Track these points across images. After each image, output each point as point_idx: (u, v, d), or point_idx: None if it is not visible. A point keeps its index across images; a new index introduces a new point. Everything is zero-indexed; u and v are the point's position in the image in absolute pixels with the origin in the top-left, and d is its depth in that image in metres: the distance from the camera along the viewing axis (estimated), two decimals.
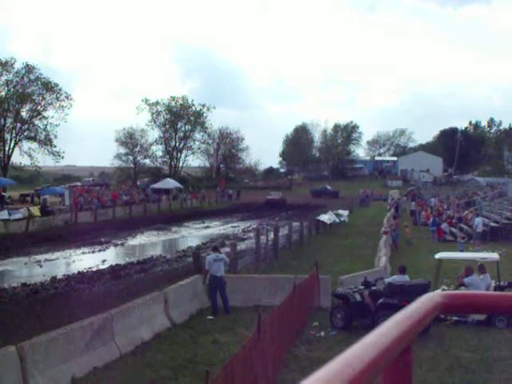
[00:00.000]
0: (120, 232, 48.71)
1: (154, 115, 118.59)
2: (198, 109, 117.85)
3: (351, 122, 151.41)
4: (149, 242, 45.23)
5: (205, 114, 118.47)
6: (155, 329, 17.66)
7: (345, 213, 55.51)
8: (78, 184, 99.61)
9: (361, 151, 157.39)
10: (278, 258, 31.86)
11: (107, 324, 15.42)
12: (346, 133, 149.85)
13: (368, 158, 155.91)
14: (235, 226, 54.61)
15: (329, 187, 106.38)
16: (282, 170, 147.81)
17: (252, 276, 23.65)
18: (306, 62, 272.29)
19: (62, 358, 13.41)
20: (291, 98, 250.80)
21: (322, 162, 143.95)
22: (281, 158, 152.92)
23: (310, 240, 40.83)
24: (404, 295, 16.71)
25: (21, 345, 12.54)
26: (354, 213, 66.66)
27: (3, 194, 68.37)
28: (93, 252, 38.35)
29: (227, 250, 29.27)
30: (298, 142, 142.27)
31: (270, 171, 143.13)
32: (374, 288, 18.72)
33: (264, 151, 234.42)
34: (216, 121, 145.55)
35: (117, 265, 31.51)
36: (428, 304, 2.04)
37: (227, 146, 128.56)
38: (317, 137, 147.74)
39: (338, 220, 51.00)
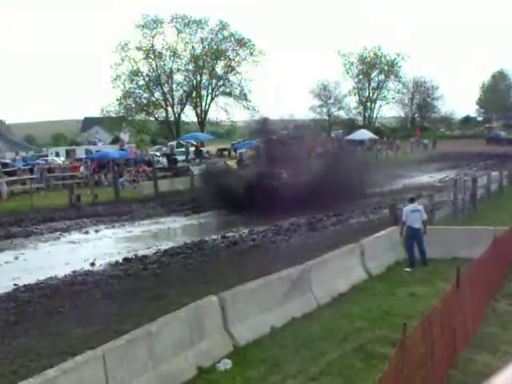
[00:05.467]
0: None
1: (347, 66, 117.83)
2: (393, 58, 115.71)
3: None
4: None
5: (399, 64, 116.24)
6: (352, 280, 17.70)
7: None
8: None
9: None
10: (476, 208, 30.97)
11: (305, 275, 15.65)
12: None
13: None
14: (431, 177, 53.50)
15: (503, 133, 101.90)
16: (479, 119, 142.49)
17: (450, 227, 23.13)
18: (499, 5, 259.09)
19: (261, 307, 13.78)
20: (488, 43, 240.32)
21: None
22: (478, 106, 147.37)
23: (510, 190, 39.25)
24: None
25: (222, 294, 13.01)
26: None
27: (201, 148, 70.72)
28: None
29: (424, 201, 28.66)
30: (495, 88, 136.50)
31: (467, 120, 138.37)
32: None
33: (461, 99, 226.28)
34: (411, 69, 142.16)
35: (313, 217, 31.77)
36: None
37: (422, 95, 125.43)
38: None
39: None
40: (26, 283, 20.38)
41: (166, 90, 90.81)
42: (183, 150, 70.26)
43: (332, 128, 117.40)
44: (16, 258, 25.54)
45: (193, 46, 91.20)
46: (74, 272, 21.93)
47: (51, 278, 21.03)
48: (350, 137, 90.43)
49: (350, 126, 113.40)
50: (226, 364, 11.74)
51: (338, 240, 22.96)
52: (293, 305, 14.83)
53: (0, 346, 13.88)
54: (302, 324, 14.24)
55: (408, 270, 19.60)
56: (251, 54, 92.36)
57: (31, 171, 52.45)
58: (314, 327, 13.92)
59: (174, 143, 75.82)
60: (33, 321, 15.96)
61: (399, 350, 7.94)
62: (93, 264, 23.30)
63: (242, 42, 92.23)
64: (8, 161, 57.61)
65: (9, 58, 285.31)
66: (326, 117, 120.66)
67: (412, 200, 21.04)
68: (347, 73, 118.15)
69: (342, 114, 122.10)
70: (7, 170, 50.79)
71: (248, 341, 12.92)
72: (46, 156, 67.97)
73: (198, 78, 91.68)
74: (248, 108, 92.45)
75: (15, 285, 20.31)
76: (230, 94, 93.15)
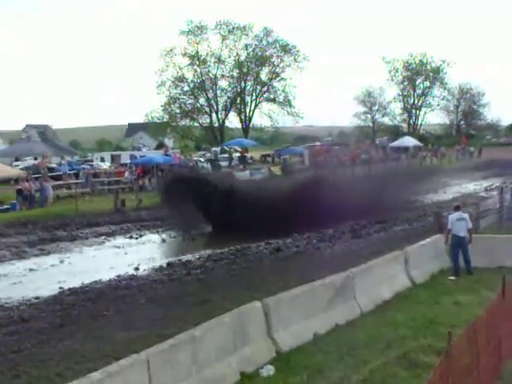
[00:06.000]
0: None
1: (392, 73, 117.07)
2: (438, 64, 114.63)
3: None
4: None
5: (444, 70, 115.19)
6: (395, 288, 17.59)
7: None
8: (317, 144, 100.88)
9: None
10: None
11: (348, 282, 15.60)
12: None
13: None
14: (477, 185, 52.99)
15: None
16: None
17: (495, 236, 22.87)
18: None
19: (304, 314, 13.78)
20: None
21: None
22: None
23: None
24: None
25: (266, 300, 13.03)
26: None
27: (245, 154, 70.89)
28: None
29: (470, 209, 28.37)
30: None
31: None
32: None
33: (507, 106, 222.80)
34: (456, 76, 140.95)
35: (357, 224, 31.63)
36: None
37: (468, 102, 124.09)
38: None
39: None
40: (71, 286, 20.67)
41: (210, 96, 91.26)
42: (227, 155, 70.58)
43: (376, 135, 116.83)
44: (61, 262, 25.88)
45: (237, 53, 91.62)
46: (118, 276, 22.16)
47: (96, 282, 21.28)
48: (395, 144, 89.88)
49: (395, 132, 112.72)
50: (269, 370, 11.76)
51: (382, 247, 22.83)
52: (336, 312, 14.79)
53: (46, 348, 14.07)
54: (345, 331, 14.20)
55: (452, 278, 19.44)
56: (296, 60, 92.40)
57: (76, 176, 53.00)
58: (358, 334, 13.86)
59: (218, 149, 76.14)
60: (78, 324, 16.14)
61: (444, 358, 7.88)
62: (137, 269, 23.50)
63: (286, 48, 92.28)
64: (54, 165, 58.30)
65: (55, 64, 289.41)
66: (370, 123, 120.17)
67: (457, 208, 20.84)
68: (392, 79, 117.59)
69: (386, 120, 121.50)
70: (53, 174, 51.34)
71: (291, 347, 12.92)
72: (91, 161, 68.74)
73: (243, 84, 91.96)
74: (292, 114, 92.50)
75: (60, 288, 20.60)
76: (274, 101, 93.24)
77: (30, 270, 24.67)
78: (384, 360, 12.13)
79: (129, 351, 11.42)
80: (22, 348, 14.14)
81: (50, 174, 49.08)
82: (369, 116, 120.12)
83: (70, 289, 20.39)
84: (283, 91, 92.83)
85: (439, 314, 15.33)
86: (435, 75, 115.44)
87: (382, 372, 11.56)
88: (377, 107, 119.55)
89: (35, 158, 71.64)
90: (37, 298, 19.49)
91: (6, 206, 40.96)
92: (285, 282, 17.77)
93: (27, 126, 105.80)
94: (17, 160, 73.93)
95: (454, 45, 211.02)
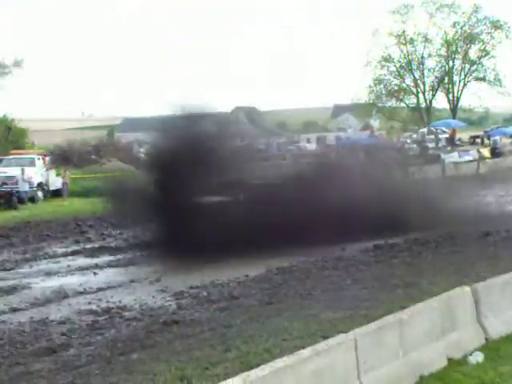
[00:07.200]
0: None
1: None
2: None
3: None
4: None
5: None
6: None
7: None
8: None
9: None
10: None
11: None
12: None
13: None
14: None
15: None
16: None
17: None
18: None
19: None
20: None
21: None
22: None
23: None
24: None
25: (475, 286, 12.72)
26: None
27: (453, 136, 69.31)
28: None
29: None
30: None
31: None
32: None
33: None
34: None
35: None
36: None
37: None
38: None
39: None
40: (279, 266, 21.13)
41: (417, 76, 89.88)
42: (433, 137, 69.38)
43: None
44: None
45: (445, 31, 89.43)
46: (324, 257, 22.38)
47: (302, 262, 21.63)
48: None
49: None
50: (478, 357, 11.48)
51: None
52: None
53: (254, 324, 14.41)
54: None
55: None
56: (507, 36, 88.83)
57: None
58: None
59: (424, 130, 74.93)
60: (285, 302, 16.39)
61: None
62: (343, 249, 23.60)
63: (497, 25, 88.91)
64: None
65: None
66: None
67: None
68: None
69: None
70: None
71: (501, 335, 12.51)
72: (298, 142, 69.77)
73: (451, 64, 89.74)
74: (502, 93, 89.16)
75: (267, 267, 21.12)
76: (483, 79, 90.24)
77: None
78: None
79: (335, 330, 11.58)
80: (232, 324, 14.61)
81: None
82: None
83: (277, 268, 20.88)
84: (493, 69, 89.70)
85: None
86: None
87: None
88: None
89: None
90: (246, 276, 20.14)
91: None
92: (494, 267, 17.25)
93: (236, 108, 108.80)
94: None
95: None
